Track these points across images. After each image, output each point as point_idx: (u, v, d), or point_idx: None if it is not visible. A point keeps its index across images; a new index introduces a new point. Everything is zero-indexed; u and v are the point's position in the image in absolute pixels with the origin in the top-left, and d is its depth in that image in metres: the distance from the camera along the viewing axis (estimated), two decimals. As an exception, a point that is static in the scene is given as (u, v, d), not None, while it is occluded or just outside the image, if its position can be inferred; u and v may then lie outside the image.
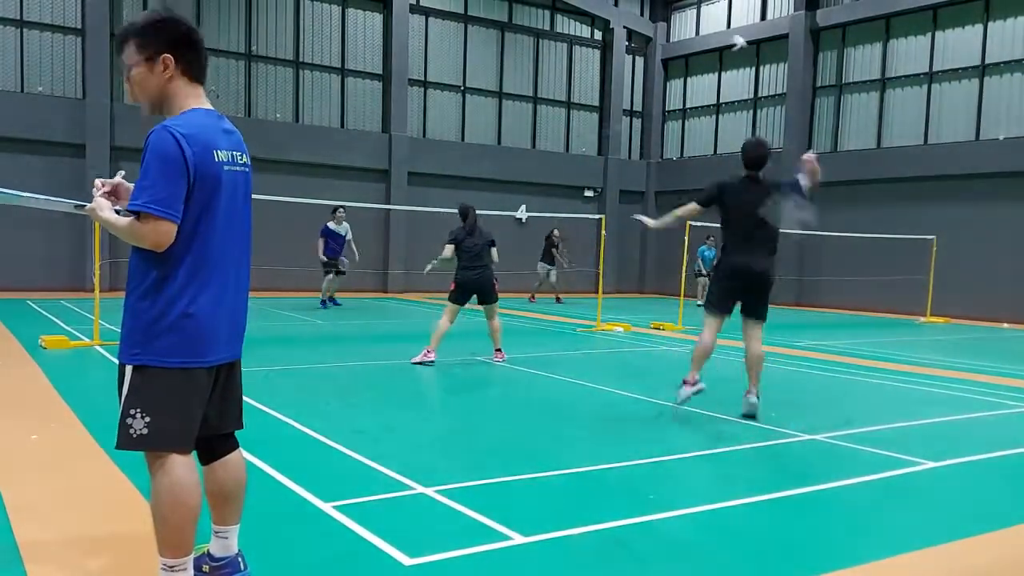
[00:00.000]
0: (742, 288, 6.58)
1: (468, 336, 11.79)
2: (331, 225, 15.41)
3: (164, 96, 2.73)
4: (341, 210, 15.43)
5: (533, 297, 20.51)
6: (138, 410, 2.63)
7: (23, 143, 17.27)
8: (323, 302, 15.74)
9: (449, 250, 9.00)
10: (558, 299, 20.24)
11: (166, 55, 2.68)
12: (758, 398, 6.58)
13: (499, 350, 9.28)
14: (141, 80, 2.72)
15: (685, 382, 6.52)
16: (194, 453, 2.81)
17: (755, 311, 6.67)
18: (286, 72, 20.62)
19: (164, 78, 2.70)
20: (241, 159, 2.81)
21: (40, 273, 17.41)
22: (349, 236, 15.61)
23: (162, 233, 2.57)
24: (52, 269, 17.56)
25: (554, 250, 20.02)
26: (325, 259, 15.31)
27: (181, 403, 2.67)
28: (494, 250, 9.22)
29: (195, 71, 2.76)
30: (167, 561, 2.68)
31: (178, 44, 2.70)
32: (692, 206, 6.64)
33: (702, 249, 20.17)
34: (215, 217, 2.68)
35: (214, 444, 2.93)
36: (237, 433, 3.02)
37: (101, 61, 17.87)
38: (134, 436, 2.63)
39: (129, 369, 2.65)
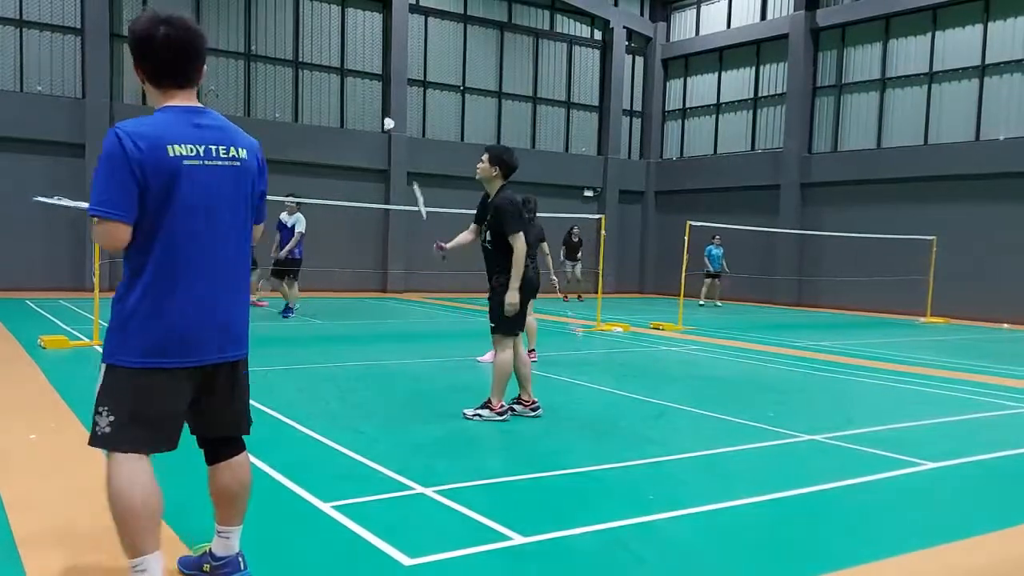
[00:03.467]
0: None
1: (467, 337, 11.79)
2: (282, 217, 13.40)
3: (155, 101, 2.75)
4: (290, 198, 13.19)
5: (580, 297, 20.68)
6: (105, 408, 2.64)
7: (23, 143, 17.28)
8: (288, 308, 13.59)
9: None
10: (567, 298, 20.41)
11: (138, 67, 2.71)
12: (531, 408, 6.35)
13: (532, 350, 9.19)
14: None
15: (490, 407, 6.15)
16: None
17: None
18: (285, 72, 20.62)
19: (143, 85, 2.76)
20: (225, 152, 2.70)
21: (40, 273, 17.41)
22: (300, 229, 13.22)
23: (112, 234, 2.56)
24: (52, 269, 17.57)
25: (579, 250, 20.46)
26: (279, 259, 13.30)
27: (145, 404, 2.63)
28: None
29: (156, 79, 2.69)
30: (128, 560, 2.67)
31: (137, 54, 2.68)
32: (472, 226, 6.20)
33: (709, 248, 20.15)
34: (179, 213, 2.60)
35: (217, 447, 2.91)
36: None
37: (101, 61, 17.88)
38: (98, 434, 2.65)
39: (103, 367, 2.68)
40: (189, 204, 2.61)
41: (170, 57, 2.66)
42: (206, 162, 2.65)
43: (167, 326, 2.61)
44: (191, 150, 2.62)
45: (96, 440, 2.66)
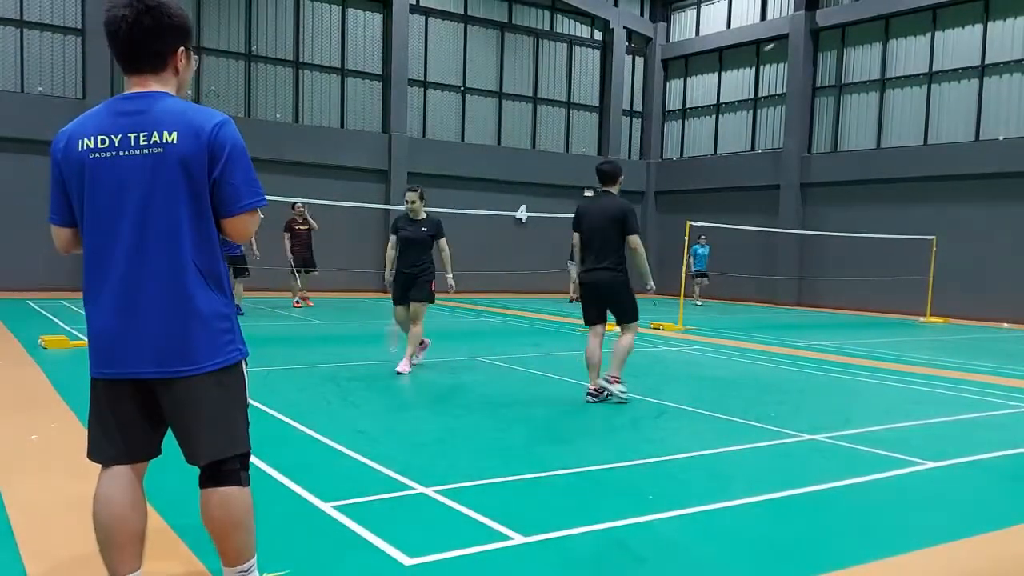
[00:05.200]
0: (595, 299, 7.10)
1: (466, 336, 11.79)
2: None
3: None
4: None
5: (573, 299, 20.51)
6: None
7: (23, 143, 17.27)
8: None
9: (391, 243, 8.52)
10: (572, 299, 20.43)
11: None
12: (608, 386, 6.90)
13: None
14: None
15: (615, 380, 6.89)
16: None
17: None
18: (286, 72, 20.63)
19: None
20: (146, 139, 2.37)
21: (40, 273, 17.41)
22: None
23: (55, 236, 2.55)
24: (52, 269, 17.56)
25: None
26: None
27: (93, 414, 2.56)
28: (442, 242, 8.54)
29: (120, 62, 2.47)
30: None
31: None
32: (574, 236, 7.20)
33: (695, 248, 20.11)
34: (91, 212, 2.42)
35: (204, 472, 2.57)
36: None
37: (101, 61, 17.88)
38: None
39: None
40: (98, 201, 2.40)
41: (116, 39, 2.43)
42: (121, 152, 2.37)
43: (94, 332, 2.48)
44: (102, 141, 2.38)
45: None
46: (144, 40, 2.41)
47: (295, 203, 15.31)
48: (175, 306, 2.41)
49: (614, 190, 7.08)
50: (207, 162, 2.39)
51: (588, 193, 25.13)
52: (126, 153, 2.37)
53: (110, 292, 2.42)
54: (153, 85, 2.47)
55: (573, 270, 20.30)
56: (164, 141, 2.37)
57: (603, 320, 7.14)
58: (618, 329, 7.13)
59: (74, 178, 2.43)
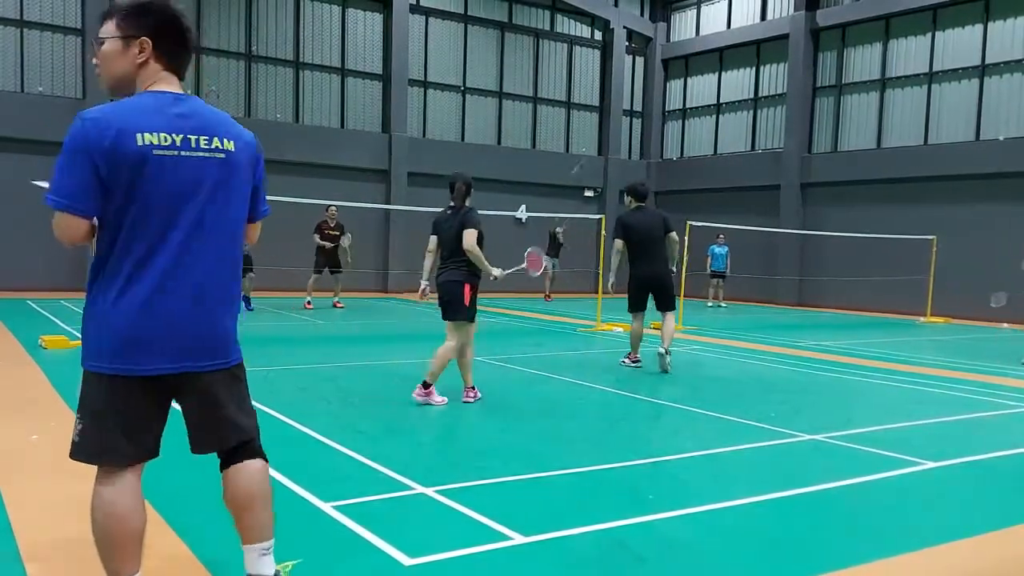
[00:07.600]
0: (649, 289, 8.83)
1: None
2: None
3: (131, 80, 2.52)
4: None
5: (548, 296, 20.52)
6: (79, 416, 2.53)
7: (23, 143, 17.26)
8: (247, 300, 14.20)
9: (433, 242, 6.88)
10: (548, 297, 20.53)
11: (144, 39, 2.47)
12: (667, 356, 8.66)
13: (472, 388, 6.83)
14: (110, 58, 2.50)
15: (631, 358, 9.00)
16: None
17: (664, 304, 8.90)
18: (286, 72, 20.63)
19: (135, 62, 2.49)
20: (207, 143, 2.46)
21: (40, 273, 17.41)
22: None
23: (65, 227, 2.37)
24: (52, 269, 17.57)
25: (561, 247, 20.37)
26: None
27: (104, 413, 2.47)
28: (466, 233, 6.74)
29: (174, 61, 2.54)
30: None
31: (161, 32, 2.49)
32: (617, 243, 8.76)
33: (712, 247, 20.06)
34: (145, 207, 2.38)
35: (225, 454, 2.68)
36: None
37: (101, 61, 17.87)
38: (72, 443, 2.52)
39: (83, 372, 2.56)
40: (155, 199, 2.38)
41: (183, 40, 2.56)
42: (182, 153, 2.42)
43: (120, 327, 2.41)
44: (165, 139, 2.39)
45: (71, 451, 2.53)
46: (192, 49, 2.69)
47: (328, 207, 15.40)
48: (223, 303, 2.56)
49: (645, 204, 8.84)
50: (252, 171, 2.65)
51: (589, 194, 25.17)
52: (187, 154, 2.45)
53: (175, 288, 2.44)
54: (176, 87, 2.58)
55: (555, 265, 20.37)
56: (224, 147, 2.52)
57: (646, 307, 8.83)
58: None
59: (126, 171, 2.34)
